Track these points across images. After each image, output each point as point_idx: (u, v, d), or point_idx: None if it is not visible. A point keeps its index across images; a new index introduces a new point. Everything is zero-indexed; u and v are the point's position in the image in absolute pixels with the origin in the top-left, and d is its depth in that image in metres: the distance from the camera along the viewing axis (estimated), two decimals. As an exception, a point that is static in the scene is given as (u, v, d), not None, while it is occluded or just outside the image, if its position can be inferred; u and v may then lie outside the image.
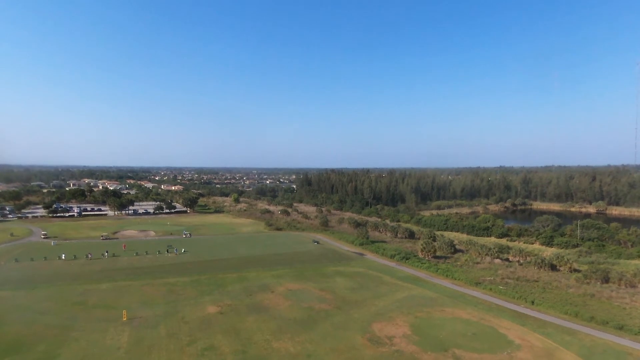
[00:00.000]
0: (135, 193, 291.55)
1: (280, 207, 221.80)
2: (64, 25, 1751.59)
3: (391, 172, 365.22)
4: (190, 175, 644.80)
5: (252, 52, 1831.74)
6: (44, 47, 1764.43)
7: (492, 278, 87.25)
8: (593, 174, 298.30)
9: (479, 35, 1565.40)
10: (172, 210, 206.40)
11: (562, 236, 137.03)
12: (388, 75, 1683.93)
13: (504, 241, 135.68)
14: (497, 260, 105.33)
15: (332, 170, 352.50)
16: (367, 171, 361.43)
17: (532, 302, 69.36)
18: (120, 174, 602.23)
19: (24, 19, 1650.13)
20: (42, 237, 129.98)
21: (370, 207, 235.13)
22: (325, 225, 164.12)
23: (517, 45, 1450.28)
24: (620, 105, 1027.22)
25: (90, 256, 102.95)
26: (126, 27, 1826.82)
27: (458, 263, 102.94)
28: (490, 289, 78.32)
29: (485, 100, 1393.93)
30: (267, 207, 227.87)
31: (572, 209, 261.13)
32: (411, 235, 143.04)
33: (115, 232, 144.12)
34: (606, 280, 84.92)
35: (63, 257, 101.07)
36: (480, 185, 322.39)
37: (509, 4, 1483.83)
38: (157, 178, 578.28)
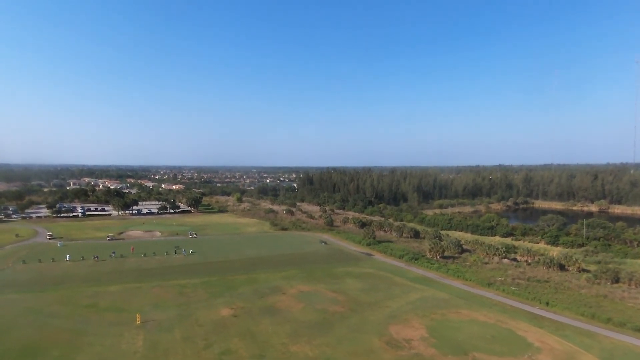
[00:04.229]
0: (137, 192, 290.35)
1: (284, 207, 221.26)
2: (63, 25, 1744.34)
3: (392, 170, 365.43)
4: (190, 174, 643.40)
5: (251, 52, 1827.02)
6: (42, 46, 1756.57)
7: (502, 279, 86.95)
8: (595, 172, 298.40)
9: (479, 34, 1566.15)
10: (176, 210, 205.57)
11: (567, 235, 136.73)
12: (388, 75, 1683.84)
13: (508, 240, 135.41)
14: (506, 260, 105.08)
15: (334, 169, 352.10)
16: (368, 170, 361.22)
17: (547, 304, 69.03)
18: (120, 173, 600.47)
19: (24, 19, 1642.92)
20: (48, 237, 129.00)
21: (373, 206, 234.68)
22: (330, 225, 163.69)
23: (517, 44, 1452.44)
24: (619, 104, 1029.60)
25: (97, 258, 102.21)
26: (126, 26, 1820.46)
27: (467, 263, 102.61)
28: (503, 290, 77.98)
29: (484, 99, 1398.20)
30: (270, 206, 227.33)
31: (574, 208, 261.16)
32: (416, 234, 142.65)
33: (121, 233, 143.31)
34: (616, 280, 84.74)
35: (68, 258, 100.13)
36: (481, 184, 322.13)
37: (510, 4, 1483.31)
38: (157, 177, 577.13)
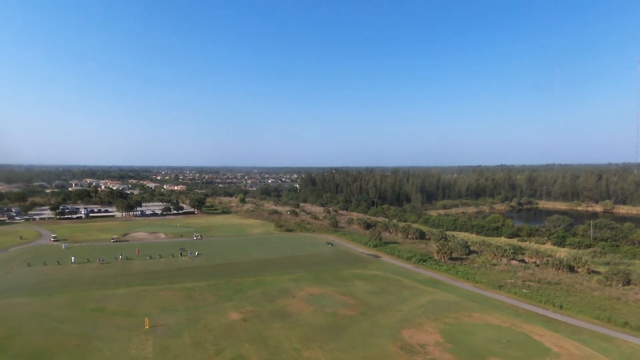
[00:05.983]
0: (140, 193, 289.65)
1: (287, 208, 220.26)
2: (63, 24, 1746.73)
3: (395, 171, 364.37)
4: (191, 175, 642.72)
5: (252, 52, 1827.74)
6: (42, 46, 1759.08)
7: (513, 281, 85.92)
8: (599, 172, 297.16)
9: (481, 34, 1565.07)
10: (180, 212, 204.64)
11: (574, 236, 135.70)
12: (389, 75, 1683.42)
13: (514, 241, 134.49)
14: (514, 262, 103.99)
15: (336, 170, 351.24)
16: (371, 170, 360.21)
17: (561, 307, 67.99)
18: (122, 174, 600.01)
19: (24, 18, 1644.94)
20: (52, 240, 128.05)
21: (376, 206, 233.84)
22: (335, 226, 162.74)
23: (519, 44, 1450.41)
24: (621, 104, 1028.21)
25: (102, 260, 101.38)
26: (127, 26, 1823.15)
27: (475, 265, 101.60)
28: (515, 292, 77.00)
29: (485, 99, 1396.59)
30: (274, 207, 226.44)
31: (579, 208, 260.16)
32: (422, 235, 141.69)
33: (125, 235, 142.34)
34: (627, 282, 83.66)
35: (73, 261, 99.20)
36: (485, 184, 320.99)
37: (512, 4, 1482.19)
38: (158, 178, 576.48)
